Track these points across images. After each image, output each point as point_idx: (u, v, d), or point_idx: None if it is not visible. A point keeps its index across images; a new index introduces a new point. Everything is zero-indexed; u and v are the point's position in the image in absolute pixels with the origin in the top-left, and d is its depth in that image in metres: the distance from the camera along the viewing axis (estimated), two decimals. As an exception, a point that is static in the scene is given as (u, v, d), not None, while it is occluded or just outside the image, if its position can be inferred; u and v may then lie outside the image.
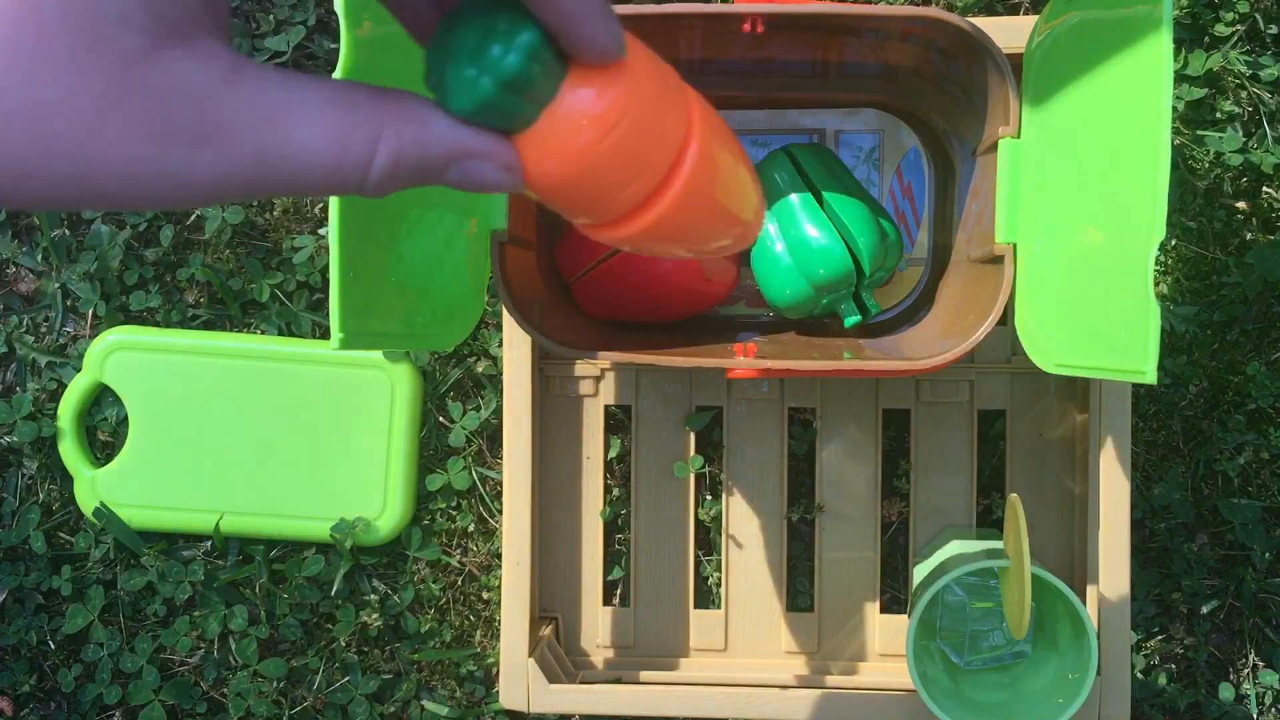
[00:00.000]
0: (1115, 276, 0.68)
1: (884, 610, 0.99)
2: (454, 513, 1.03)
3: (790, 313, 0.91)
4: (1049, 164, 0.76)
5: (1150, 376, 0.64)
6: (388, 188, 0.46)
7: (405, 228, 0.75)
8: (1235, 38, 0.98)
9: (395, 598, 1.02)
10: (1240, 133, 0.98)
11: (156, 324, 1.03)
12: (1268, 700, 0.99)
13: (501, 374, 0.97)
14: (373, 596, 1.02)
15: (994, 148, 0.79)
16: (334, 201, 0.68)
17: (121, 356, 1.02)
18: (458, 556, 1.03)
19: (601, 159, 0.48)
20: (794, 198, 0.88)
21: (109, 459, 1.03)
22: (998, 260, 0.79)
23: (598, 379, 0.99)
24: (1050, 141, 0.76)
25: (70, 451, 1.03)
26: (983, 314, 0.79)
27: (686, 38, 0.83)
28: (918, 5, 1.00)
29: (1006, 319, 0.82)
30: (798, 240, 0.87)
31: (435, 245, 0.78)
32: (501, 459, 0.99)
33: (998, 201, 0.79)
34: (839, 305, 0.90)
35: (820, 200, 0.88)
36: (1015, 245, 0.78)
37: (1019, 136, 0.78)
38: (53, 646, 1.04)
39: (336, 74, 0.68)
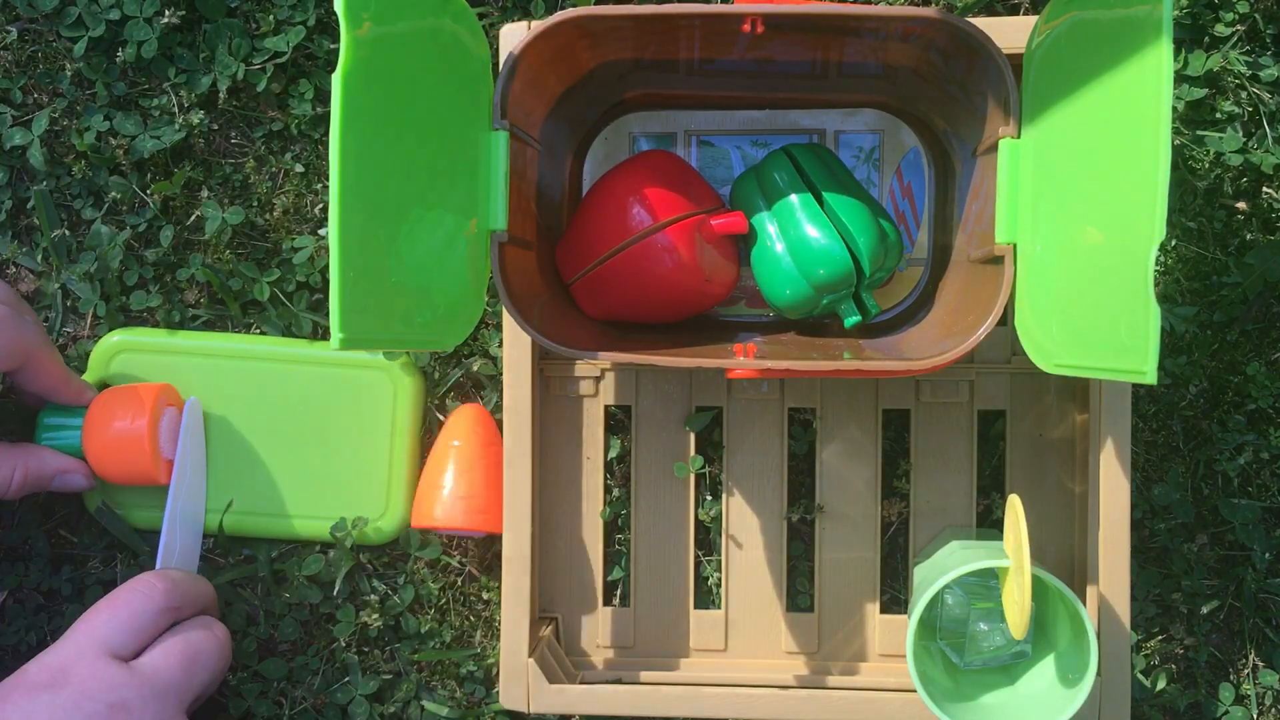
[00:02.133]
0: (1115, 277, 0.68)
1: (884, 610, 0.99)
2: (454, 513, 1.03)
3: (790, 313, 0.91)
4: (1049, 164, 0.76)
5: (1150, 377, 0.64)
6: (23, 493, 0.97)
7: (405, 228, 0.75)
8: (1235, 38, 0.98)
9: (395, 598, 1.02)
10: (1240, 133, 0.98)
11: (157, 324, 1.03)
12: (1268, 701, 0.99)
13: (501, 374, 0.97)
14: (373, 597, 1.02)
15: (994, 148, 0.79)
16: (334, 202, 0.68)
17: (126, 358, 1.02)
18: (458, 557, 1.03)
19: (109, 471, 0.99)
20: (794, 198, 0.88)
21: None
22: (998, 260, 0.79)
23: (598, 379, 0.99)
24: (1050, 142, 0.76)
25: (71, 451, 1.03)
26: (983, 314, 0.79)
27: (686, 37, 0.83)
28: (918, 5, 1.00)
29: (1006, 319, 0.82)
30: (798, 240, 0.87)
31: (435, 245, 0.78)
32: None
33: (998, 201, 0.79)
34: (839, 305, 0.90)
35: (820, 200, 0.88)
36: (1015, 245, 0.78)
37: (1019, 137, 0.78)
38: (50, 640, 1.04)
39: (337, 74, 0.68)
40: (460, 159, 0.80)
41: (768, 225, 0.89)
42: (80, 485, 0.99)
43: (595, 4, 1.00)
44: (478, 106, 0.81)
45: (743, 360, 0.81)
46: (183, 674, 0.91)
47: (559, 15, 0.79)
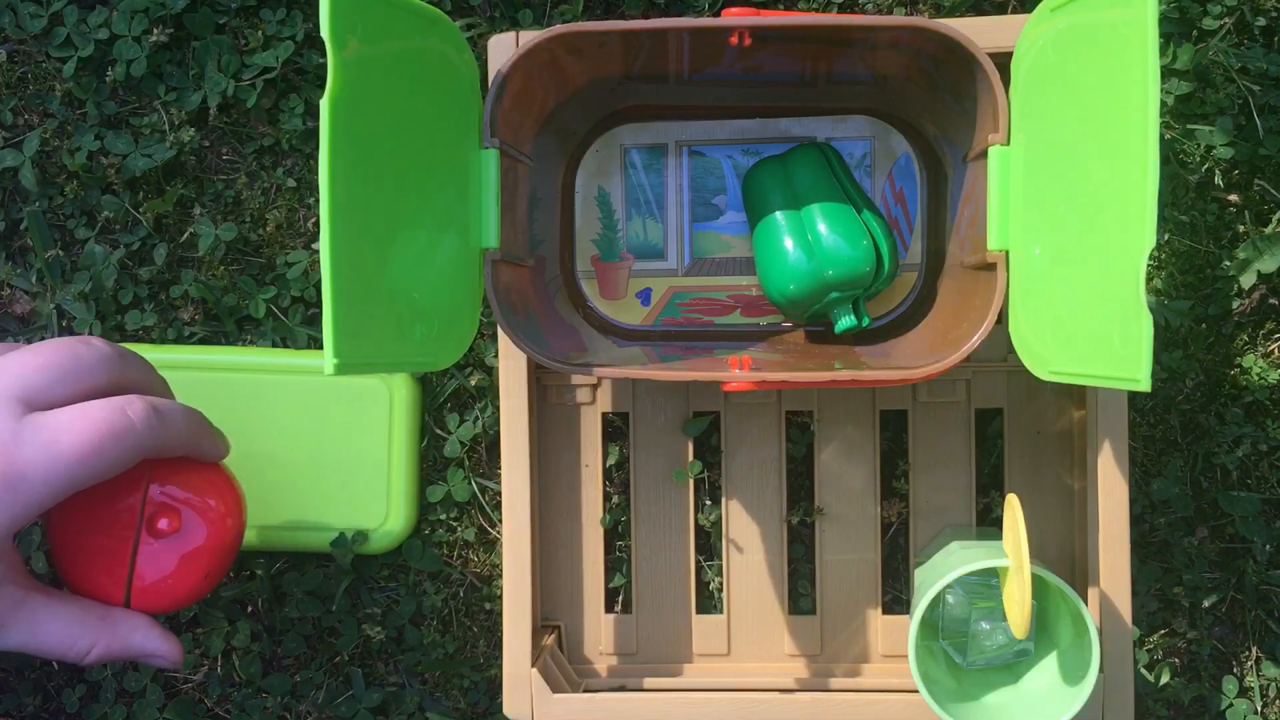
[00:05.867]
0: (1107, 284, 0.68)
1: (886, 611, 0.99)
2: (454, 524, 1.03)
3: (790, 309, 0.91)
4: (1040, 170, 0.76)
5: (1145, 385, 0.64)
6: (98, 664, 0.91)
7: (397, 249, 0.75)
8: (1224, 30, 0.98)
9: (397, 610, 1.02)
10: (1231, 125, 0.98)
11: (152, 342, 1.03)
12: (1272, 693, 0.99)
13: (498, 385, 0.97)
14: (375, 609, 1.03)
15: (985, 154, 0.79)
16: (325, 228, 0.68)
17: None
18: (459, 567, 1.03)
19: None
20: (831, 191, 0.89)
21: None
22: (991, 267, 0.79)
23: (595, 386, 0.99)
24: (1040, 147, 0.76)
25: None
26: (977, 321, 0.79)
27: (676, 50, 0.83)
28: (905, 5, 1.00)
29: (1002, 319, 0.82)
30: (831, 232, 0.87)
31: (428, 265, 0.78)
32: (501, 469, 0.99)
33: (989, 208, 0.79)
34: (835, 308, 0.90)
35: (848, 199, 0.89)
36: (1008, 252, 0.78)
37: (1009, 143, 0.78)
38: (56, 667, 1.04)
39: (324, 100, 0.68)
40: (451, 178, 0.80)
41: (784, 216, 0.89)
42: (165, 666, 0.88)
43: (583, 18, 1.00)
44: (467, 125, 0.81)
45: (738, 374, 0.81)
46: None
47: (546, 32, 0.79)
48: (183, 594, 0.88)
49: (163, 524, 0.86)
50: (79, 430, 0.77)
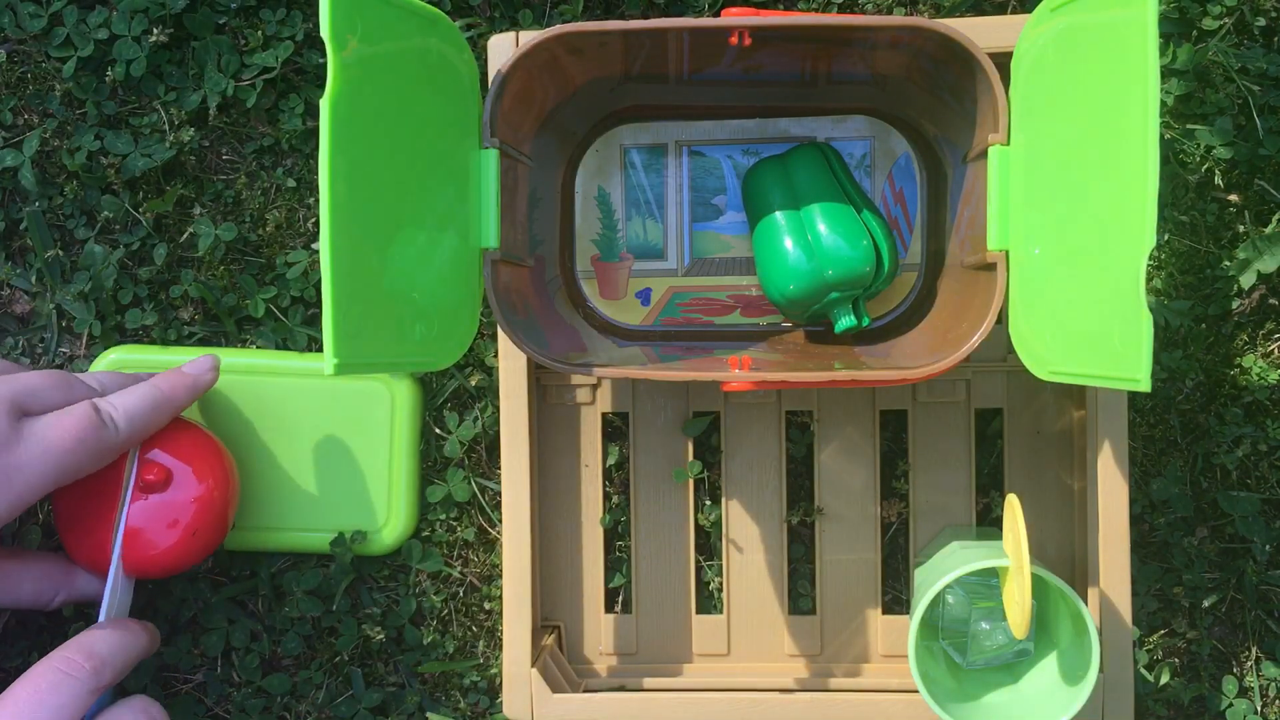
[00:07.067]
0: (1107, 284, 0.68)
1: (886, 611, 0.99)
2: (454, 524, 1.03)
3: (790, 309, 0.91)
4: (1040, 170, 0.76)
5: (1145, 385, 0.64)
6: (62, 607, 1.00)
7: (397, 249, 0.75)
8: (1223, 30, 0.98)
9: (397, 610, 1.02)
10: (1230, 125, 0.98)
11: (152, 342, 1.03)
12: (1271, 693, 0.99)
13: (498, 384, 0.97)
14: (375, 609, 1.02)
15: (985, 154, 0.79)
16: (325, 228, 0.68)
17: (121, 376, 1.02)
18: (459, 568, 1.03)
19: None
20: (831, 191, 0.89)
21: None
22: (991, 267, 0.79)
23: (594, 386, 0.99)
24: (1041, 147, 0.76)
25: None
26: (977, 321, 0.79)
27: (675, 50, 0.83)
28: (905, 5, 1.00)
29: (1002, 318, 0.82)
30: (830, 232, 0.87)
31: (428, 265, 0.78)
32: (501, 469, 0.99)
33: (989, 208, 0.79)
34: (835, 308, 0.90)
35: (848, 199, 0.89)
36: (1008, 252, 0.78)
37: (1009, 143, 0.78)
38: (57, 667, 1.04)
39: (324, 100, 0.68)
40: (451, 178, 0.80)
41: (784, 216, 0.89)
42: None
43: (583, 18, 1.00)
44: (467, 125, 0.81)
45: (738, 374, 0.81)
46: None
47: (546, 32, 0.79)
48: (171, 550, 0.95)
49: (150, 476, 0.94)
50: (65, 426, 0.89)
